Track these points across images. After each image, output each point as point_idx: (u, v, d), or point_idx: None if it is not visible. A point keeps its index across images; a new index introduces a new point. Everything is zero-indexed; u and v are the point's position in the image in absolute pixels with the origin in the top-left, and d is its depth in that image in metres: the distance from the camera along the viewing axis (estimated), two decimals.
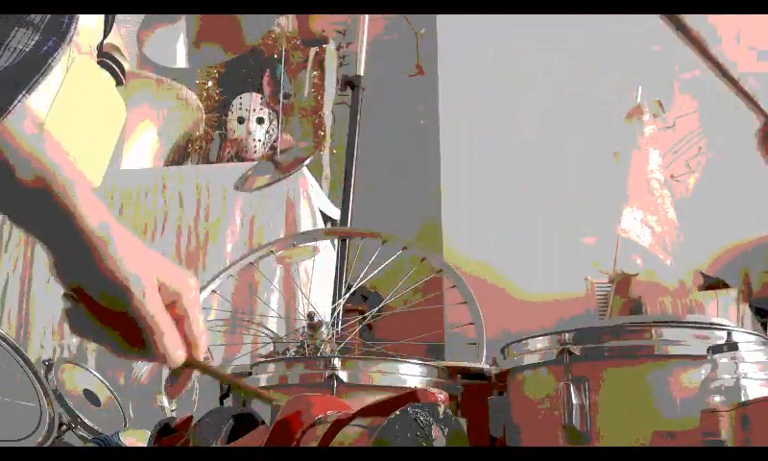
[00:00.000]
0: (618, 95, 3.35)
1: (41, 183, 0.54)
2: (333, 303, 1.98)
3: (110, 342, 0.57)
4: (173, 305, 0.59)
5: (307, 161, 3.38)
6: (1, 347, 1.95)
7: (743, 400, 0.83)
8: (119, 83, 3.01)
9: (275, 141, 3.56)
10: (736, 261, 3.09)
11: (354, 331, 1.86)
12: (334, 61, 3.73)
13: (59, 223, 0.54)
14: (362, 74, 2.24)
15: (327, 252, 2.62)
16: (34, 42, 0.54)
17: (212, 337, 2.30)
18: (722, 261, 3.13)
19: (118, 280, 0.53)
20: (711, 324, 0.99)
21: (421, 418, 0.62)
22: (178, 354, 0.57)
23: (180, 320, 0.59)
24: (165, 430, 1.05)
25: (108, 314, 0.56)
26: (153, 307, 0.55)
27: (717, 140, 3.23)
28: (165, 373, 2.03)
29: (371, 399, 0.74)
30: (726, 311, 2.80)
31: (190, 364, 0.60)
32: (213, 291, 2.11)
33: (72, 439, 2.00)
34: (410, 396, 0.66)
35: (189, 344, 0.60)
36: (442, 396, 0.67)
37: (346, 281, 2.01)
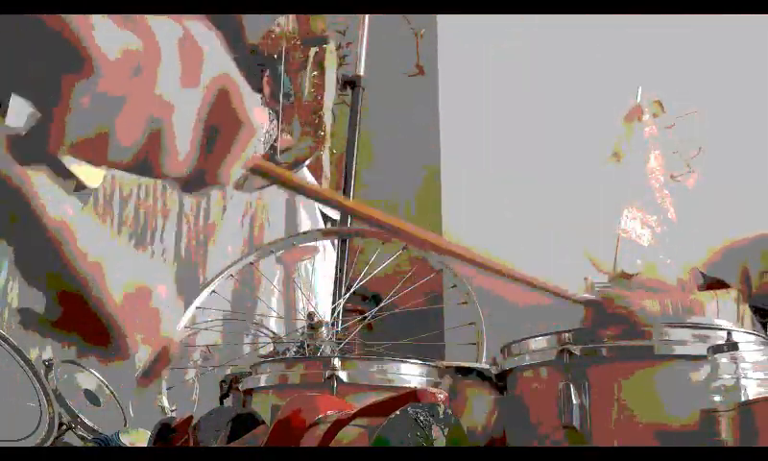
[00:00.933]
0: (618, 95, 3.35)
1: None
2: (333, 303, 1.98)
3: (73, 340, 0.55)
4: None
5: (307, 161, 3.38)
6: (1, 347, 1.95)
7: (743, 400, 0.83)
8: None
9: (275, 141, 3.56)
10: (736, 261, 3.09)
11: (354, 331, 1.86)
12: (334, 61, 3.73)
13: (21, 220, 0.51)
14: (362, 74, 2.24)
15: (327, 252, 2.62)
16: None
17: (212, 337, 2.30)
18: (721, 261, 3.13)
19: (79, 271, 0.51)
20: (711, 324, 0.99)
21: (421, 418, 0.62)
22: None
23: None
24: (165, 430, 1.05)
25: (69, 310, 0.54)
26: (114, 301, 0.53)
27: (717, 140, 3.23)
28: (166, 375, 2.03)
29: (371, 399, 0.74)
30: (726, 311, 2.80)
31: None
32: (213, 291, 2.11)
33: (72, 439, 2.00)
34: (410, 396, 0.66)
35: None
36: (442, 396, 0.67)
37: (346, 281, 2.01)
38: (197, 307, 2.12)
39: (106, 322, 0.50)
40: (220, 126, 0.42)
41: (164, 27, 0.39)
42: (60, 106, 0.37)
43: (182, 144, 0.40)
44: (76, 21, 0.36)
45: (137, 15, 0.38)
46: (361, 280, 1.95)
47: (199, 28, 0.41)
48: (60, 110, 0.37)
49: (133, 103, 0.38)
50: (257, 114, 0.43)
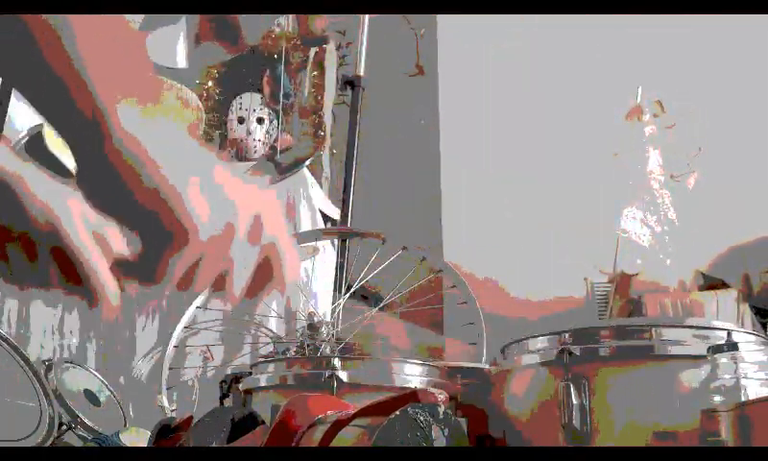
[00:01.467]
0: (618, 95, 3.35)
1: None
2: (333, 303, 1.98)
3: (47, 276, 0.57)
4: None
5: (307, 161, 3.38)
6: (1, 347, 1.95)
7: (743, 400, 0.83)
8: None
9: (274, 141, 3.56)
10: (736, 261, 3.09)
11: (354, 331, 1.86)
12: (334, 61, 3.73)
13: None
14: (362, 74, 2.24)
15: (327, 252, 2.62)
16: None
17: (212, 337, 2.30)
18: (722, 261, 3.13)
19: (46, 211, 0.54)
20: (711, 324, 0.99)
21: (421, 418, 0.62)
22: (113, 285, 0.57)
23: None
24: (165, 430, 1.05)
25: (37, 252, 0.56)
26: (85, 237, 0.55)
27: (717, 140, 3.23)
28: (165, 374, 2.03)
29: (371, 399, 0.74)
30: (726, 311, 2.80)
31: None
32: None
33: (72, 439, 2.00)
34: (410, 396, 0.66)
35: None
36: (442, 396, 0.67)
37: (346, 281, 2.01)
38: (197, 307, 2.12)
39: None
40: (262, 277, 0.62)
41: (245, 215, 0.58)
42: (160, 266, 0.56)
43: (239, 285, 0.61)
44: (177, 205, 0.54)
45: (230, 196, 0.57)
46: (361, 280, 1.95)
47: (271, 212, 0.61)
48: (161, 268, 0.56)
49: (210, 259, 0.57)
50: (291, 271, 0.63)
